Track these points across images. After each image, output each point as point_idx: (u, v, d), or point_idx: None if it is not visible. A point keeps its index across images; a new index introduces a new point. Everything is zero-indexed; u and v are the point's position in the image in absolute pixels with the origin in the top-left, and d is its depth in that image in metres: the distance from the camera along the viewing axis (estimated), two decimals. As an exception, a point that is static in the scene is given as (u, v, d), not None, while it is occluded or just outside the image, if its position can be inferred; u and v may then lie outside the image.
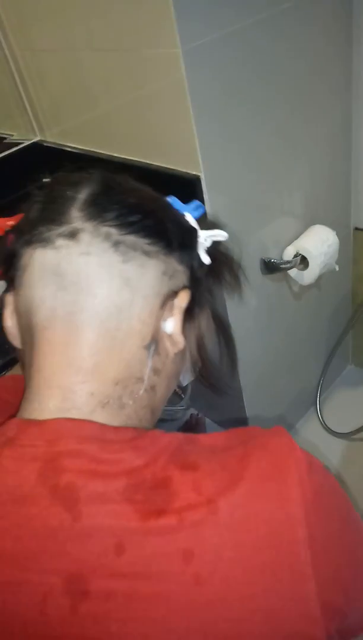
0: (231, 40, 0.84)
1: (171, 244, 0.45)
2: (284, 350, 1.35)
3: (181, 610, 0.35)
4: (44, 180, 0.47)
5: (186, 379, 1.21)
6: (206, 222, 0.51)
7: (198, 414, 1.57)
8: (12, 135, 1.21)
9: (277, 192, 1.09)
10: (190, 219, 0.49)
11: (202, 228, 0.50)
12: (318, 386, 1.56)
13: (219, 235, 0.51)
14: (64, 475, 0.38)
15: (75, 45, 0.95)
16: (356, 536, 0.42)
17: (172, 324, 0.46)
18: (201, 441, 0.43)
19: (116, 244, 0.42)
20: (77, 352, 0.42)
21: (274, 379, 1.37)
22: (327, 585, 0.37)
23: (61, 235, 0.42)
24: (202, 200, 0.93)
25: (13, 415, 0.44)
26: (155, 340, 0.45)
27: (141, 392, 0.45)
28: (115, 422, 0.42)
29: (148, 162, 0.99)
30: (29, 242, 0.43)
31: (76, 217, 0.42)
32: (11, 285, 0.46)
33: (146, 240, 0.44)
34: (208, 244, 0.50)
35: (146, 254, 0.43)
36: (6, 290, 0.47)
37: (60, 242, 0.42)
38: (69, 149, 1.15)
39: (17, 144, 1.20)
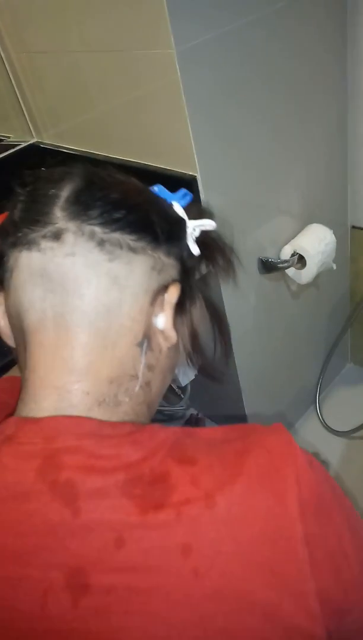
0: (226, 40, 0.84)
1: (157, 238, 0.45)
2: (283, 350, 1.35)
3: (181, 604, 0.35)
4: (26, 175, 0.46)
5: (186, 379, 1.21)
6: (196, 209, 0.50)
7: (197, 414, 1.57)
8: (9, 137, 1.21)
9: (274, 192, 1.09)
10: (178, 208, 0.48)
11: (192, 216, 0.49)
12: (318, 385, 1.56)
13: (208, 224, 0.50)
14: (63, 471, 0.38)
15: (70, 47, 0.95)
16: (354, 534, 0.42)
17: (163, 320, 0.46)
18: (200, 435, 0.43)
19: (101, 243, 0.42)
20: (69, 353, 0.42)
21: (273, 378, 1.37)
22: (326, 582, 0.37)
23: (45, 237, 0.42)
24: (199, 201, 0.93)
25: (10, 415, 0.44)
26: (147, 337, 0.45)
27: (137, 389, 0.45)
28: (112, 419, 0.42)
29: (144, 162, 0.99)
30: (14, 245, 0.43)
31: (59, 216, 0.42)
32: (1, 285, 0.45)
33: (131, 237, 0.43)
34: (197, 233, 0.49)
35: (133, 250, 0.43)
36: None
37: (45, 244, 0.42)
38: (65, 151, 1.15)
39: (14, 146, 1.20)
